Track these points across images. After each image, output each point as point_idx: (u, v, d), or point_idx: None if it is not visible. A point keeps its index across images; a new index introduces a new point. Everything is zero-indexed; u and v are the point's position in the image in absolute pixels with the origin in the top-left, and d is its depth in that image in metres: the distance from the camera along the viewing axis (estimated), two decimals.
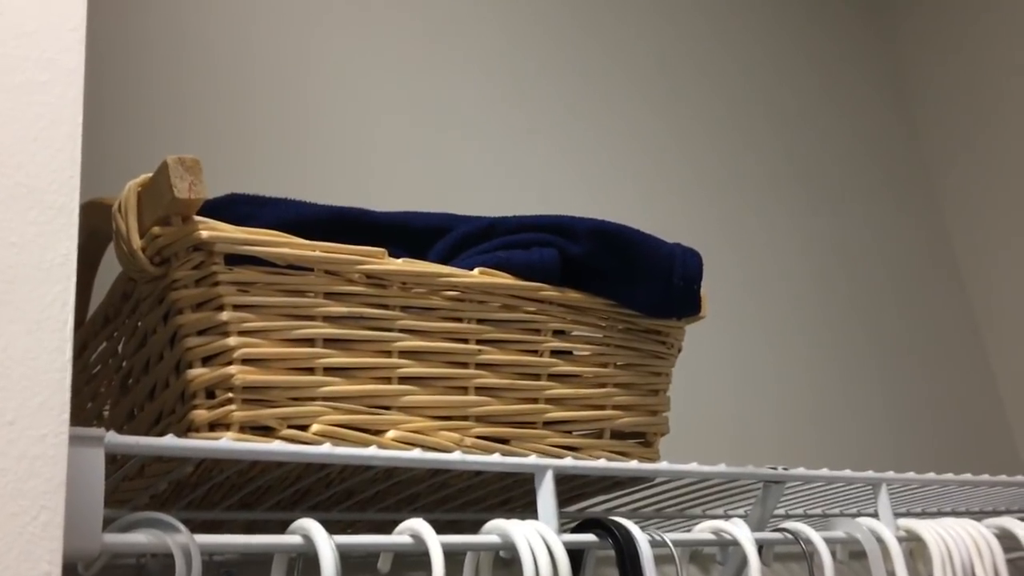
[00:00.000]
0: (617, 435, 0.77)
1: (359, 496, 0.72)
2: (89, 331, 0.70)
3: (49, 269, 0.39)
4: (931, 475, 0.90)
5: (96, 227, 0.65)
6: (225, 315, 0.59)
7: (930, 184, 1.68)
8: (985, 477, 0.94)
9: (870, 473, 0.84)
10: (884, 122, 1.67)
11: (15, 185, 0.39)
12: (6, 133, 0.40)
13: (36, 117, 0.41)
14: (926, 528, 0.82)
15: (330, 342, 0.63)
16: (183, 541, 0.49)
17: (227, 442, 0.55)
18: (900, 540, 0.79)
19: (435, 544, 0.55)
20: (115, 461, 0.59)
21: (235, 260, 0.60)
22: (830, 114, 1.59)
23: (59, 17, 0.42)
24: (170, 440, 0.53)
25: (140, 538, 0.48)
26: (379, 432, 0.64)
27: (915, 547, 0.87)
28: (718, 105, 1.44)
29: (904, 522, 0.83)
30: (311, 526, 0.53)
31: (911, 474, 0.88)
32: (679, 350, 0.81)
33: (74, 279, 0.39)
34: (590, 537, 0.65)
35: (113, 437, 0.49)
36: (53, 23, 0.42)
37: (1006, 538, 0.86)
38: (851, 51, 1.68)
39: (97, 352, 0.70)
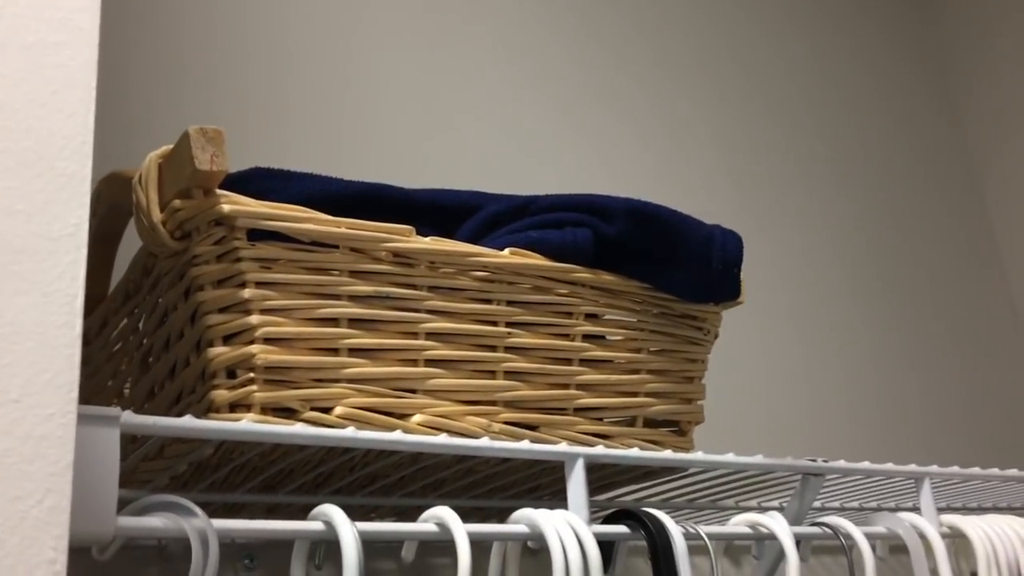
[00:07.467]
0: (650, 423, 0.74)
1: (383, 481, 0.70)
2: (110, 307, 0.68)
3: (58, 239, 0.37)
4: (975, 469, 0.87)
5: (117, 200, 0.63)
6: (247, 292, 0.57)
7: (971, 169, 1.63)
8: None
9: (913, 467, 0.81)
10: (924, 105, 1.62)
11: (23, 151, 0.37)
12: (16, 96, 0.38)
13: (48, 80, 0.38)
14: (970, 524, 0.79)
15: (355, 322, 0.61)
16: (200, 525, 0.47)
17: (247, 424, 0.53)
18: (943, 536, 0.76)
19: (462, 534, 0.53)
20: (135, 441, 0.57)
21: (258, 235, 0.58)
22: (867, 96, 1.54)
23: None
24: (188, 421, 0.51)
25: (155, 522, 0.47)
26: (404, 416, 0.62)
27: (958, 543, 0.84)
28: (749, 85, 1.40)
29: (947, 518, 0.80)
30: (333, 512, 0.51)
31: (955, 468, 0.85)
32: (715, 336, 0.78)
33: (84, 251, 0.37)
34: (622, 529, 0.63)
35: (130, 417, 0.47)
36: None
37: None
38: (890, 29, 1.63)
39: (118, 329, 0.68)
